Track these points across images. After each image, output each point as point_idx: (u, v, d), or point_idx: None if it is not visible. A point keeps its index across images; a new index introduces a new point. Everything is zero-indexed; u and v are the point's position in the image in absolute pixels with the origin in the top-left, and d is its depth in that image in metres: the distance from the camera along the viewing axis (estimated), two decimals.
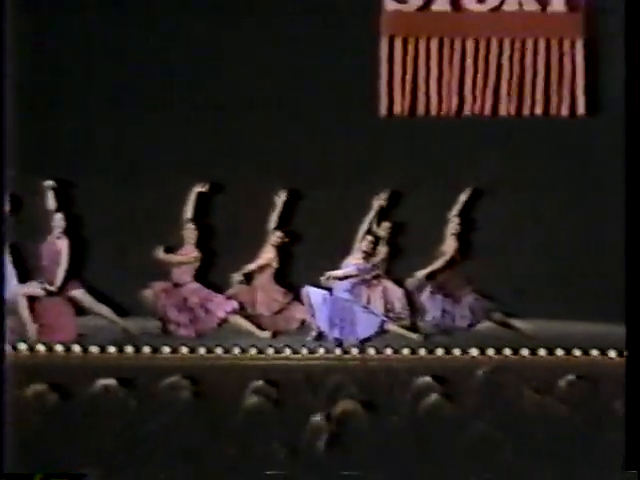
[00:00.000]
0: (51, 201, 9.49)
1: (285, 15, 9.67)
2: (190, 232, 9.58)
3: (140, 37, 9.66)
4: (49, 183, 9.46)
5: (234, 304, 9.61)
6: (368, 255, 9.66)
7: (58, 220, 9.49)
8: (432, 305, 9.67)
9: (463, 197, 9.58)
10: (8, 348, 9.15)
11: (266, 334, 9.54)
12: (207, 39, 9.77)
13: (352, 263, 9.64)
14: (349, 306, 9.61)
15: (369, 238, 9.64)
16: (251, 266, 9.63)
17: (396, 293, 9.69)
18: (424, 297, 9.67)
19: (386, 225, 9.66)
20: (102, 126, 9.69)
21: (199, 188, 9.56)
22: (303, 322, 9.61)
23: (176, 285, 9.62)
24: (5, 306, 9.46)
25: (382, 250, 9.70)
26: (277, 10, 9.65)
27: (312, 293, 9.56)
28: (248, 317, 9.64)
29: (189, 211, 9.58)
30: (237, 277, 9.63)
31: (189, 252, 9.62)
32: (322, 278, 9.55)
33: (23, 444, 7.51)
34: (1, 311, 8.23)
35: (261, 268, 9.65)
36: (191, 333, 9.55)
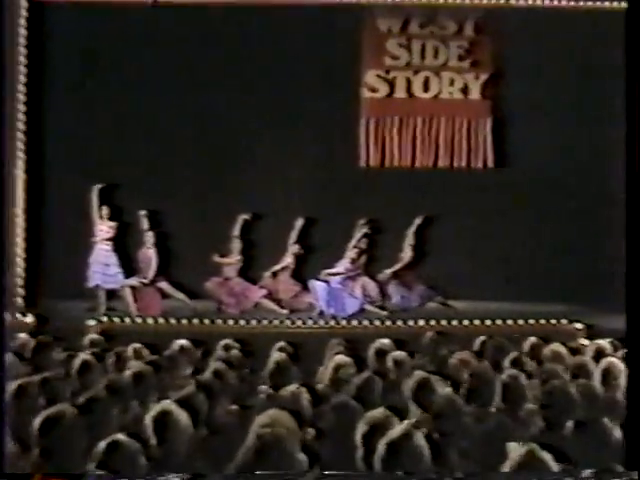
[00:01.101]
0: (144, 224, 10.91)
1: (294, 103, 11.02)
2: (236, 244, 10.94)
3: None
4: (143, 212, 10.90)
5: (264, 292, 10.99)
6: (354, 260, 11.03)
7: (149, 236, 10.90)
8: (395, 292, 11.08)
9: (417, 221, 11.04)
10: (117, 320, 10.32)
11: (285, 311, 10.89)
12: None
13: (342, 265, 11.03)
14: (340, 293, 10.88)
15: (355, 250, 11.02)
16: (276, 267, 11.03)
17: (371, 285, 11.10)
18: (390, 287, 11.10)
19: (365, 241, 11.07)
20: (181, 176, 11.05)
21: (244, 216, 10.94)
22: (310, 304, 10.99)
23: (226, 279, 10.94)
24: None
25: (363, 257, 11.10)
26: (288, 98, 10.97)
27: (316, 285, 10.96)
28: (273, 300, 10.98)
29: (236, 230, 10.94)
30: (267, 274, 11.02)
31: (235, 257, 10.99)
32: (322, 275, 10.97)
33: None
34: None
35: (283, 268, 11.02)
36: (236, 311, 10.86)
